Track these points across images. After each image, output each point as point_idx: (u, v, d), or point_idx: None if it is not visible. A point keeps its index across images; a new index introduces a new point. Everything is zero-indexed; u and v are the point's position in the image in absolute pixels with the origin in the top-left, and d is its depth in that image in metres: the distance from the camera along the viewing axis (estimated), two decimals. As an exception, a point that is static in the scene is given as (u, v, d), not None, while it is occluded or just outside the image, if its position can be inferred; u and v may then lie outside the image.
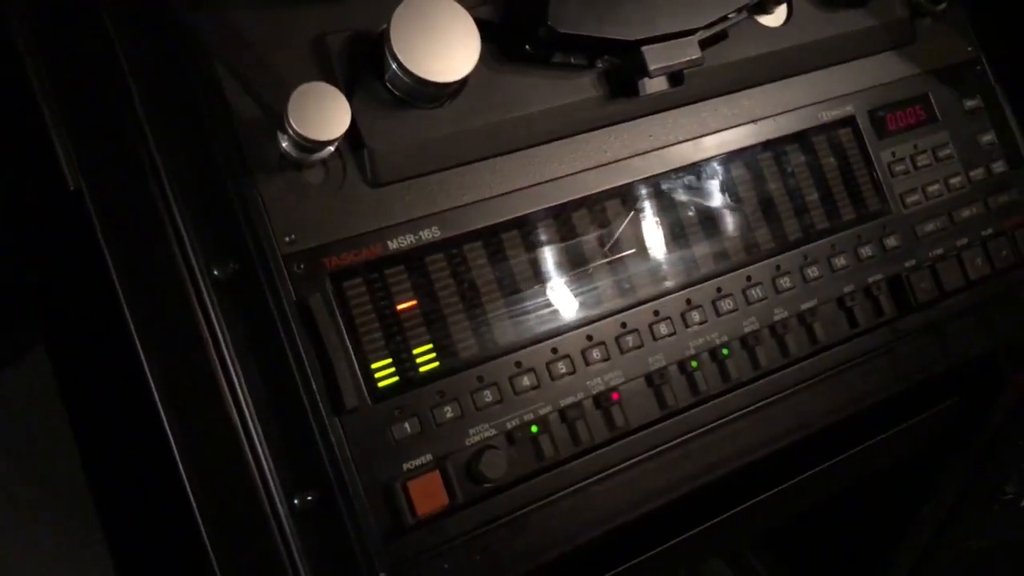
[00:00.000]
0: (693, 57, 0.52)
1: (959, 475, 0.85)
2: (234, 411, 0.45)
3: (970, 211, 0.62)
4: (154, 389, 0.45)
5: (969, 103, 0.64)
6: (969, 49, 0.66)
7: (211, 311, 0.45)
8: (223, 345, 0.45)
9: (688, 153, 0.55)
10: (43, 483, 0.53)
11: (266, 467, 0.44)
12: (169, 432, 0.45)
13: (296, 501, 0.44)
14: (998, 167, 0.64)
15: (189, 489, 0.44)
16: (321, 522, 0.45)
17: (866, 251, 0.58)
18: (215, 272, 0.45)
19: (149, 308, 0.46)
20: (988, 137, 0.64)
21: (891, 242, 0.59)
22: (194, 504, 0.44)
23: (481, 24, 0.48)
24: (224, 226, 0.45)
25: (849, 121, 0.60)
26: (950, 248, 0.61)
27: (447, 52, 0.46)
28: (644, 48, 0.51)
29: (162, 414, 0.45)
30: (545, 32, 0.49)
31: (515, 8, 0.51)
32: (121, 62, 0.46)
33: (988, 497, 0.91)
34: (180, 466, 0.44)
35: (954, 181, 0.62)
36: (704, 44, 0.54)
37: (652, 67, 0.51)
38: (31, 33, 0.47)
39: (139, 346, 0.46)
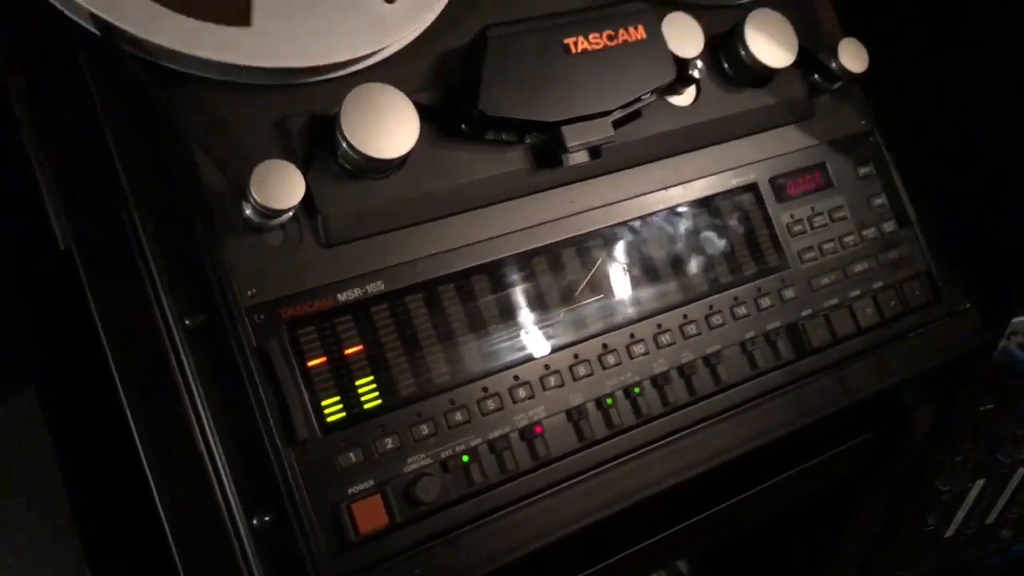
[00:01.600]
0: (607, 135, 0.60)
1: (879, 507, 0.92)
2: (201, 442, 0.52)
3: (862, 266, 0.70)
4: (132, 423, 0.52)
5: (863, 170, 0.73)
6: (863, 122, 0.74)
7: (183, 356, 0.52)
8: (193, 385, 0.52)
9: (607, 216, 0.63)
10: (29, 507, 0.59)
11: (229, 491, 0.51)
12: (145, 461, 0.51)
13: (255, 521, 0.51)
14: (888, 227, 0.72)
15: (162, 510, 0.51)
16: (277, 540, 0.51)
17: (765, 301, 0.66)
18: (187, 322, 0.52)
19: (129, 352, 0.53)
20: (879, 200, 0.73)
21: (789, 293, 0.67)
22: (166, 523, 0.51)
23: (422, 108, 0.55)
24: (195, 282, 0.52)
25: (752, 187, 0.68)
26: (843, 299, 0.69)
27: (390, 133, 0.54)
28: (563, 128, 0.59)
29: (140, 445, 0.51)
30: (477, 115, 0.57)
31: (451, 94, 0.59)
32: (108, 138, 0.53)
33: (911, 529, 0.98)
34: (155, 490, 0.51)
35: (848, 239, 0.70)
36: (618, 123, 0.62)
37: (570, 145, 0.59)
38: (30, 112, 0.54)
39: (120, 385, 0.52)
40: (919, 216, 0.74)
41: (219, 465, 0.52)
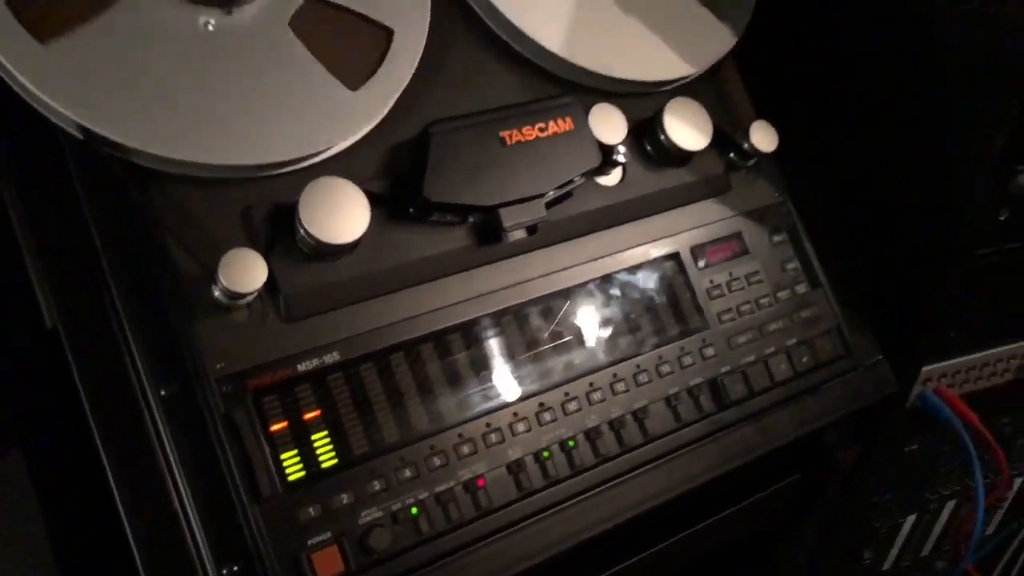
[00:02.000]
0: (540, 215, 0.68)
1: (812, 545, 0.99)
2: (176, 498, 0.58)
3: (777, 325, 0.78)
4: (112, 481, 0.58)
5: (776, 238, 0.81)
6: (776, 194, 0.82)
7: (159, 422, 0.58)
8: (168, 448, 0.58)
9: (544, 286, 0.70)
10: (16, 558, 0.64)
11: (201, 542, 0.57)
12: (124, 516, 0.57)
13: (224, 571, 0.57)
14: (801, 288, 0.80)
15: (139, 560, 0.56)
16: (244, 588, 0.58)
17: (688, 360, 0.73)
18: (162, 392, 0.58)
19: (110, 418, 0.59)
20: (792, 264, 0.81)
21: (709, 352, 0.74)
22: (143, 572, 0.56)
23: (373, 196, 0.63)
24: (170, 356, 0.59)
25: (674, 256, 0.76)
26: (760, 355, 0.76)
27: (343, 220, 0.61)
28: (500, 210, 0.66)
29: (119, 501, 0.57)
30: (422, 201, 0.64)
31: (400, 182, 0.66)
32: (92, 229, 0.60)
33: (849, 563, 1.05)
34: (132, 542, 0.57)
35: (763, 301, 0.78)
36: (550, 204, 0.69)
37: (506, 225, 0.66)
38: (22, 207, 0.61)
39: (101, 448, 0.59)
40: (829, 278, 0.82)
41: (191, 519, 0.58)
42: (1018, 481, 1.08)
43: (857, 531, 1.03)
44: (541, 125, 0.69)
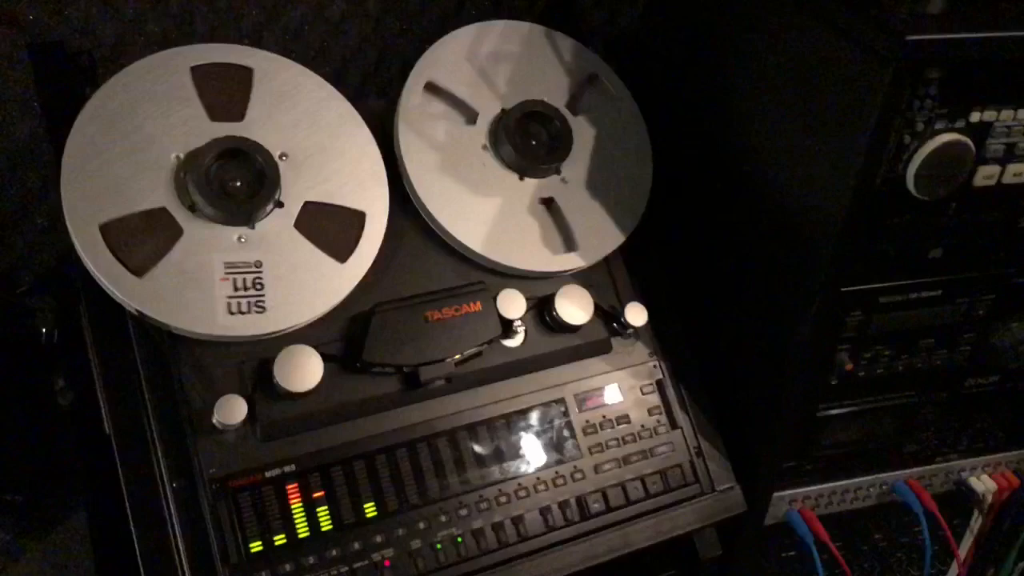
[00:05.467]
0: (451, 372, 0.95)
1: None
2: (176, 558, 0.86)
3: (637, 457, 1.03)
4: (137, 545, 0.86)
5: (646, 389, 1.06)
6: (649, 355, 1.08)
7: (170, 504, 0.87)
8: (174, 521, 0.86)
9: (456, 420, 0.97)
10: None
11: (188, 591, 0.85)
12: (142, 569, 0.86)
13: (203, 610, 0.85)
14: (662, 429, 1.05)
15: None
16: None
17: (560, 481, 0.99)
18: (174, 485, 0.87)
19: (142, 500, 0.88)
20: (656, 410, 1.06)
21: (578, 476, 1.00)
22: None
23: (328, 356, 0.91)
24: (181, 460, 0.88)
25: (561, 401, 1.02)
26: (619, 480, 1.01)
27: (303, 375, 0.89)
28: (420, 368, 0.94)
29: (140, 560, 0.86)
30: (362, 363, 0.93)
31: (351, 344, 0.94)
32: (139, 370, 0.90)
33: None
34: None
35: (627, 438, 1.03)
36: (461, 363, 0.97)
37: (423, 379, 0.94)
38: (99, 361, 0.91)
39: (132, 519, 0.87)
40: (690, 420, 1.07)
41: (185, 571, 0.86)
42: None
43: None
44: (456, 307, 0.97)
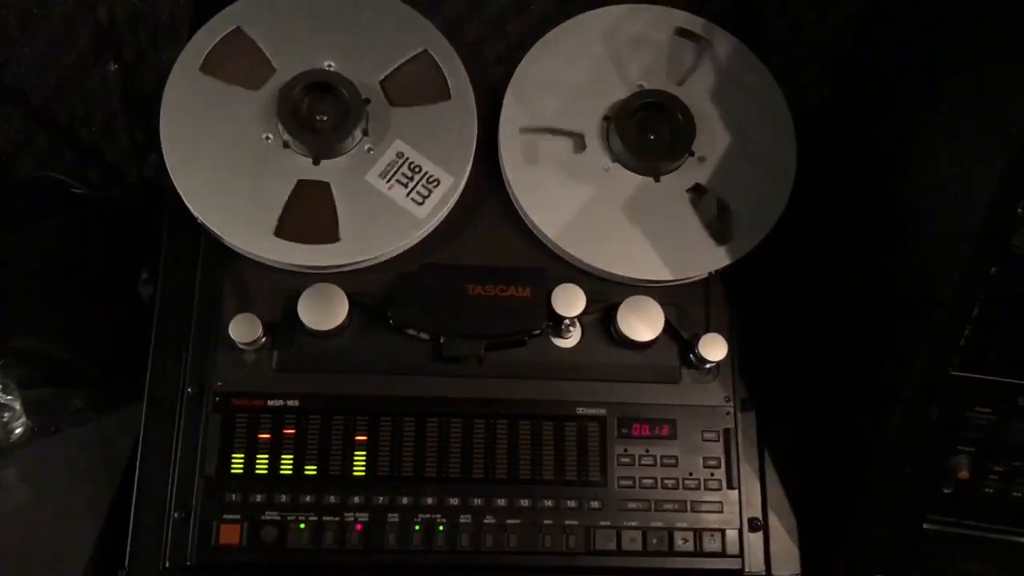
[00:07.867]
0: (477, 352, 0.89)
1: None
2: (170, 470, 0.89)
3: (672, 506, 0.89)
4: (142, 439, 0.90)
5: (708, 435, 0.92)
6: (725, 398, 0.93)
7: (182, 410, 0.90)
8: (179, 429, 0.89)
9: (480, 406, 0.91)
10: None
11: (171, 495, 0.87)
12: (139, 465, 0.90)
13: (176, 515, 0.86)
14: (714, 484, 0.90)
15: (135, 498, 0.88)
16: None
17: (571, 504, 0.88)
18: (189, 390, 0.90)
19: (159, 398, 0.91)
20: (715, 462, 0.91)
21: (595, 504, 0.89)
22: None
23: (358, 303, 0.89)
24: (202, 369, 0.90)
25: (600, 419, 0.91)
26: (642, 525, 0.89)
27: (325, 311, 0.88)
28: (444, 339, 0.89)
29: (140, 449, 0.90)
30: (392, 317, 0.89)
31: (383, 303, 0.91)
32: (196, 279, 0.94)
33: None
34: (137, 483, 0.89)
35: (668, 482, 0.90)
36: (493, 347, 0.90)
37: (446, 352, 0.89)
38: (169, 250, 0.97)
39: (144, 419, 0.91)
40: (759, 486, 0.91)
41: (174, 481, 0.88)
42: None
43: None
44: (503, 287, 0.90)
